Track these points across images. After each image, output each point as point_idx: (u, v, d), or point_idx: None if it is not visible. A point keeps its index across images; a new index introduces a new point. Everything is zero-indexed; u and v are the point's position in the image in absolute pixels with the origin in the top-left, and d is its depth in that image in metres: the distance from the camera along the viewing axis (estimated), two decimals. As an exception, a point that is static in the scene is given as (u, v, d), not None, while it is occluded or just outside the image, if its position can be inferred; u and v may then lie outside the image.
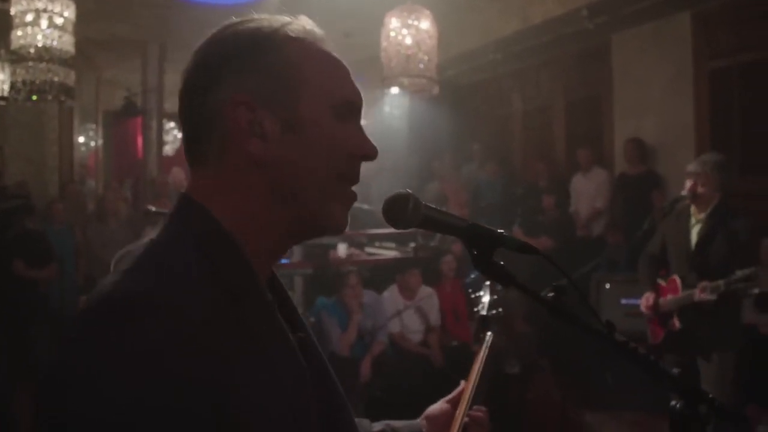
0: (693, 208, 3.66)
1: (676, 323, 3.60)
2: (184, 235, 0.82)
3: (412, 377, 4.65)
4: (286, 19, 0.91)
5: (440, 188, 7.92)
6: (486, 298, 1.72)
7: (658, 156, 6.24)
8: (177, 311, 0.71)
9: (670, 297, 3.64)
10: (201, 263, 0.79)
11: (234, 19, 0.92)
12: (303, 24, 0.92)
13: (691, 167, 3.64)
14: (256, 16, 0.91)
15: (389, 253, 6.52)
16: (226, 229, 0.83)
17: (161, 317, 0.70)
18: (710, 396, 1.06)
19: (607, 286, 5.07)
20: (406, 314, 5.13)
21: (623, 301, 4.81)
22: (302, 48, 0.89)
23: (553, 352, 4.96)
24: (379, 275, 5.92)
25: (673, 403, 1.08)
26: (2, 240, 5.04)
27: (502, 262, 0.98)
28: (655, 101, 6.29)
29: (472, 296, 1.75)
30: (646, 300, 3.76)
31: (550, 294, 1.05)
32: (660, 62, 6.20)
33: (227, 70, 0.85)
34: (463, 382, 1.43)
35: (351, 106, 0.91)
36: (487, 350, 1.53)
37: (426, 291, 5.24)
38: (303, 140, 0.86)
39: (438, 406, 1.33)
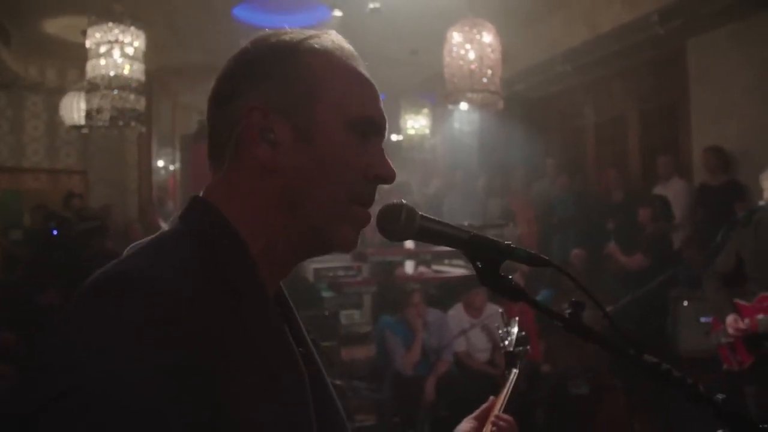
0: None
1: None
2: (190, 232, 0.83)
3: (478, 397, 4.51)
4: (315, 32, 0.91)
5: (507, 204, 7.77)
6: (514, 333, 1.61)
7: (741, 164, 5.89)
8: (174, 292, 0.72)
9: (763, 317, 3.32)
10: (204, 258, 0.79)
11: (266, 31, 0.92)
12: (332, 38, 0.91)
13: None
14: (288, 29, 0.92)
15: (457, 270, 6.44)
16: (234, 230, 0.84)
17: (158, 294, 0.71)
18: (763, 426, 0.96)
19: (685, 303, 4.78)
20: (473, 333, 5.02)
21: (703, 320, 4.52)
22: (325, 59, 0.88)
23: (627, 372, 4.71)
24: (446, 293, 5.84)
25: (719, 432, 0.99)
26: (78, 260, 5.26)
27: (510, 276, 0.92)
28: (736, 106, 5.96)
29: (499, 331, 1.65)
30: (734, 322, 3.39)
31: (568, 311, 0.97)
32: (739, 66, 5.88)
33: (249, 78, 0.87)
34: (492, 398, 1.41)
35: (371, 124, 0.89)
36: (510, 389, 1.45)
37: (492, 309, 5.10)
38: (314, 151, 0.84)
39: (465, 425, 1.32)
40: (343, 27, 6.34)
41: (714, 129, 6.19)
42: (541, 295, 5.78)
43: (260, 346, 0.78)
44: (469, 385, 4.72)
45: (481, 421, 1.32)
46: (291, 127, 0.84)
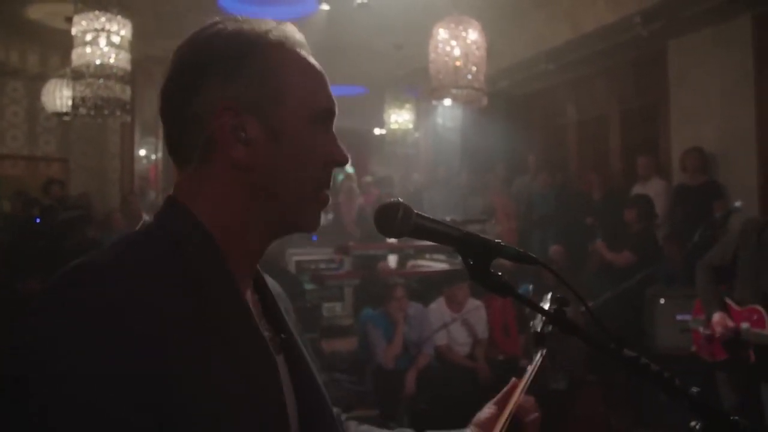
0: None
1: (752, 356, 3.36)
2: (160, 230, 0.86)
3: (458, 390, 4.58)
4: (269, 23, 0.94)
5: (489, 200, 7.83)
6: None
7: (718, 165, 6.01)
8: (134, 280, 0.75)
9: (747, 327, 3.39)
10: (170, 251, 0.83)
11: (215, 19, 0.93)
12: (284, 29, 0.94)
13: None
14: (238, 17, 0.93)
15: (439, 265, 6.49)
16: (206, 229, 0.87)
17: (116, 283, 0.74)
18: (734, 417, 1.01)
19: (662, 301, 4.87)
20: (453, 327, 5.08)
21: (678, 317, 4.62)
22: (284, 55, 0.91)
23: (604, 367, 4.81)
24: (428, 287, 5.89)
25: (692, 424, 1.03)
26: (61, 248, 5.23)
27: (500, 273, 0.96)
28: (715, 108, 6.07)
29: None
30: (722, 323, 3.41)
31: (553, 307, 1.02)
32: (719, 68, 5.99)
33: (211, 74, 0.88)
34: (514, 379, 1.36)
35: (327, 113, 0.94)
36: (536, 368, 1.43)
37: (473, 303, 5.17)
38: (284, 147, 0.89)
39: (486, 411, 1.27)
40: (329, 20, 6.36)
41: (693, 130, 6.29)
42: (522, 289, 5.86)
43: (224, 334, 0.82)
44: (449, 379, 4.79)
45: (501, 405, 1.29)
46: (262, 126, 0.87)
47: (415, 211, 0.93)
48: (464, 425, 1.30)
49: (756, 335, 3.31)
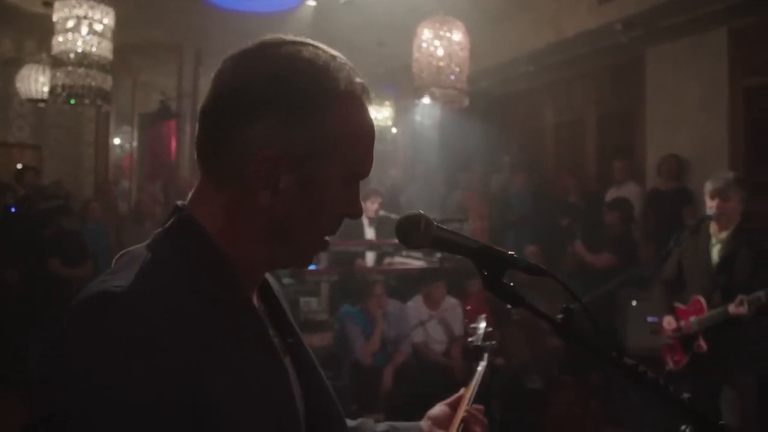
0: (713, 228, 3.60)
1: (703, 345, 3.53)
2: (175, 246, 0.86)
3: (434, 387, 4.64)
4: (338, 62, 0.90)
5: (462, 199, 7.88)
6: (482, 328, 1.70)
7: (691, 172, 6.15)
8: (156, 308, 0.76)
9: (694, 318, 3.57)
10: (187, 271, 0.83)
11: (283, 39, 0.90)
12: (355, 74, 0.92)
13: (713, 185, 3.58)
14: (306, 41, 0.91)
15: (416, 262, 6.52)
16: (226, 257, 0.87)
17: (141, 313, 0.75)
18: (721, 423, 1.06)
19: (634, 303, 4.99)
20: (430, 324, 5.13)
21: (649, 319, 4.73)
22: (350, 110, 0.89)
23: (577, 368, 4.90)
24: (405, 285, 5.93)
25: (683, 428, 1.08)
26: (39, 239, 5.15)
27: (512, 283, 1.00)
28: (689, 117, 6.20)
29: (470, 326, 1.73)
30: (668, 324, 3.69)
31: (561, 316, 1.06)
32: (695, 77, 6.12)
33: (273, 112, 0.85)
34: (462, 389, 1.46)
35: (363, 176, 0.94)
36: (479, 381, 1.53)
37: (450, 302, 5.23)
38: (311, 199, 0.89)
39: (438, 408, 1.34)
40: (314, 15, 6.35)
41: (668, 136, 6.43)
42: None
43: (238, 350, 0.83)
44: (426, 376, 4.84)
45: (453, 408, 1.36)
46: (297, 179, 0.87)
47: (436, 223, 0.96)
48: None
49: (700, 321, 3.54)
